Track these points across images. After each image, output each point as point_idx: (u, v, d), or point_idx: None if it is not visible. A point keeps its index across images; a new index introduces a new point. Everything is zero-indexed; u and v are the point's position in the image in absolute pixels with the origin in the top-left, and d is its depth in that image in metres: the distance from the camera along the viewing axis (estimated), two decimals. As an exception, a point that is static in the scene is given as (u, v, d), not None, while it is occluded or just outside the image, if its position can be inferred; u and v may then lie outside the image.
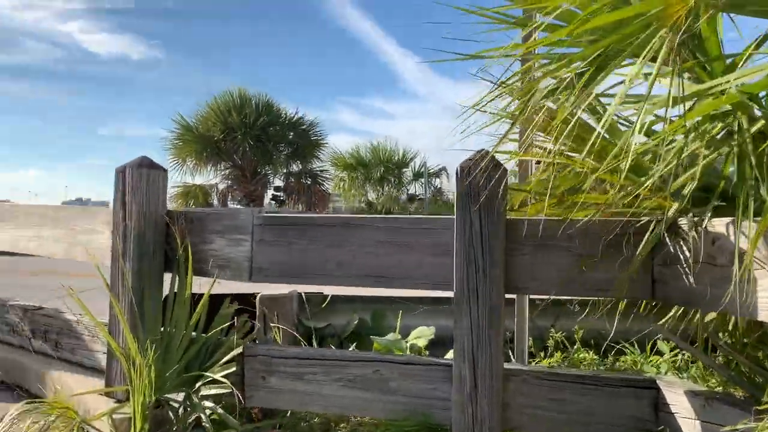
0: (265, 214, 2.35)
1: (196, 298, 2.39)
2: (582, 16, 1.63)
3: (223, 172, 17.93)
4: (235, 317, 2.49)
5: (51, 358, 3.00)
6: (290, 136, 18.42)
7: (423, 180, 19.68)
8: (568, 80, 1.83)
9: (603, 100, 2.10)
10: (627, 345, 2.93)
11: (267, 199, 18.95)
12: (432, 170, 19.99)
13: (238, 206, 17.29)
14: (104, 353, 2.62)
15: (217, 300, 2.46)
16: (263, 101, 17.83)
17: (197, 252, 2.46)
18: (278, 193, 19.31)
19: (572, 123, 1.78)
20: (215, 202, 17.40)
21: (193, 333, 2.39)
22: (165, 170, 2.66)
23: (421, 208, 19.30)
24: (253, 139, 17.03)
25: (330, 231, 2.25)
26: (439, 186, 20.30)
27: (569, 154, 2.08)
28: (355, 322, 3.13)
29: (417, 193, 20.00)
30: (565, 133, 1.78)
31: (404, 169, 19.73)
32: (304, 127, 18.68)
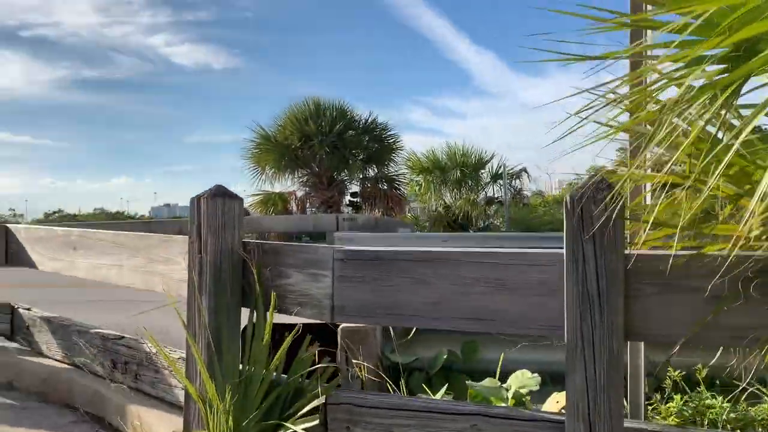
0: (347, 248, 2.15)
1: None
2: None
3: (301, 180, 18.14)
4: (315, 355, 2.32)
5: (131, 391, 2.95)
6: (365, 141, 18.40)
7: (501, 182, 19.09)
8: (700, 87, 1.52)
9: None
10: (761, 388, 2.52)
11: (344, 205, 19.03)
12: (511, 171, 19.39)
13: (317, 212, 17.43)
14: (182, 388, 2.51)
15: (292, 330, 2.29)
16: (338, 108, 17.90)
17: (274, 287, 2.30)
18: (355, 199, 19.34)
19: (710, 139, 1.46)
20: (294, 208, 17.63)
21: (273, 374, 2.24)
22: (240, 199, 2.53)
23: (500, 210, 18.75)
24: (330, 147, 17.12)
25: (417, 266, 2.01)
26: (519, 187, 19.67)
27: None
28: (445, 356, 2.88)
29: (495, 196, 19.44)
30: (704, 153, 1.47)
31: (481, 171, 19.24)
32: (377, 131, 18.61)
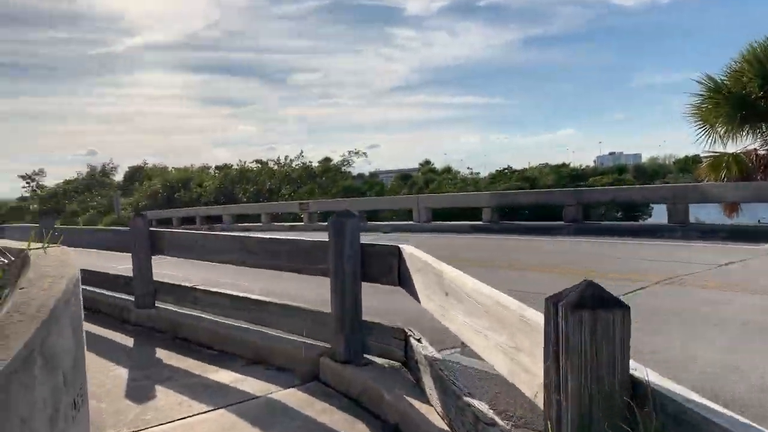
0: None
1: None
2: None
3: (766, 136, 14.59)
4: None
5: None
6: None
7: None
8: None
9: None
10: None
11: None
12: None
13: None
14: None
15: None
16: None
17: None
18: None
19: None
20: (758, 175, 14.29)
21: None
22: (627, 308, 1.53)
23: None
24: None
25: None
26: None
27: None
28: None
29: None
30: None
31: None
32: None
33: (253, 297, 5.26)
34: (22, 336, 2.05)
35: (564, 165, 26.17)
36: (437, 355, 3.52)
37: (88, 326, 6.51)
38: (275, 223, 23.63)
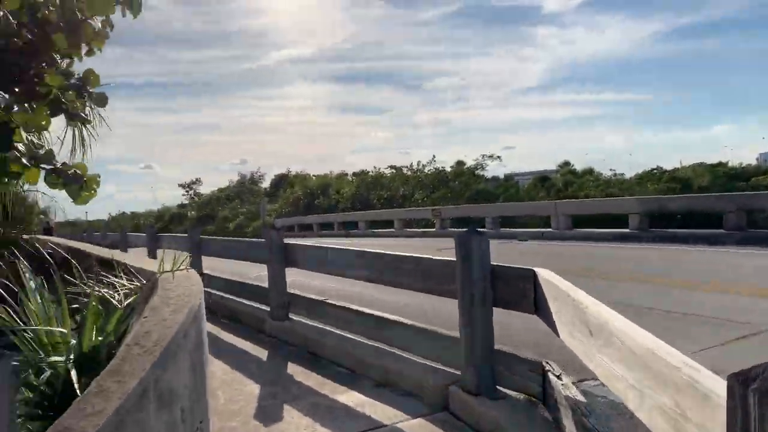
0: None
1: None
2: None
3: None
4: None
5: None
6: None
7: None
8: None
9: None
10: None
11: None
12: None
13: None
14: None
15: None
16: None
17: None
18: None
19: None
20: None
21: None
22: None
23: None
24: None
25: None
26: None
27: None
28: None
29: None
30: None
31: None
32: None
33: (383, 316, 5.13)
34: (138, 373, 2.01)
35: (720, 164, 23.43)
36: (580, 397, 3.11)
37: (227, 336, 6.82)
38: (408, 229, 23.76)
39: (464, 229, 3.85)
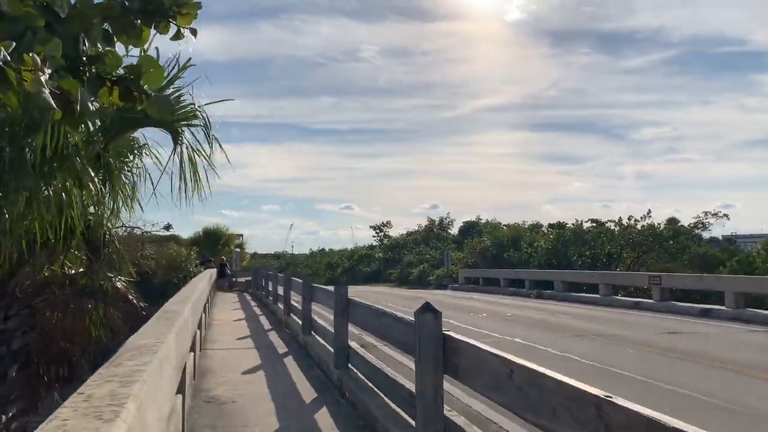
0: None
1: None
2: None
3: None
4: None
5: None
6: None
7: None
8: None
9: None
10: None
11: None
12: None
13: None
14: None
15: None
16: None
17: None
18: None
19: None
20: None
21: None
22: None
23: None
24: None
25: None
26: None
27: None
28: None
29: None
30: None
31: None
32: None
33: None
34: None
35: None
36: None
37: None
38: (616, 297, 19.64)
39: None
